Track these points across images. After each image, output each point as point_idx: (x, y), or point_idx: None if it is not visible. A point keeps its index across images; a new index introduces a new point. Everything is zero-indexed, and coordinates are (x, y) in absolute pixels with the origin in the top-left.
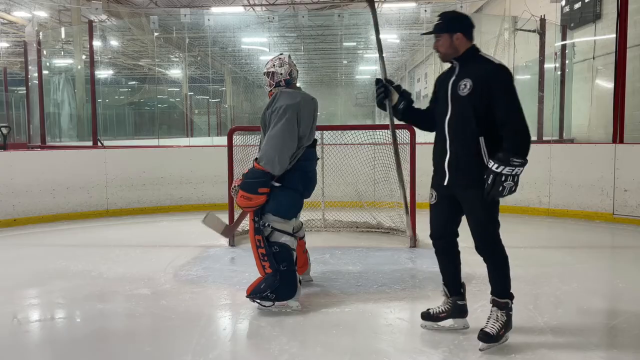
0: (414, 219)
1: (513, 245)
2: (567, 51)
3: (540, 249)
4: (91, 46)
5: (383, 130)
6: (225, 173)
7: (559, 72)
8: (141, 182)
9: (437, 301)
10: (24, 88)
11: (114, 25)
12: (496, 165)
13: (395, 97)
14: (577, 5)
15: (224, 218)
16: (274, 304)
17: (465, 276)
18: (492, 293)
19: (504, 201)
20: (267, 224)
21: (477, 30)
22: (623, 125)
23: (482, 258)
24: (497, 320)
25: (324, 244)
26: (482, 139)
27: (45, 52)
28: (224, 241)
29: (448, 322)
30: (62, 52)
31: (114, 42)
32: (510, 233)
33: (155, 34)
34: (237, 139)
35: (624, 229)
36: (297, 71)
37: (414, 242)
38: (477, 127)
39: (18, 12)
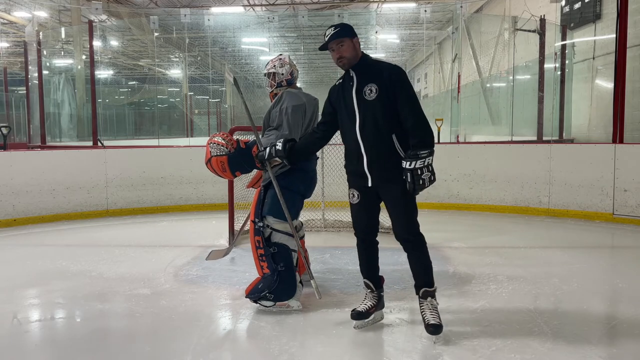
0: None
1: (513, 246)
2: (567, 51)
3: (540, 249)
4: (91, 46)
5: None
6: None
7: (559, 72)
8: (141, 182)
9: (438, 301)
10: (24, 88)
11: (114, 25)
12: (408, 163)
13: (277, 162)
14: (577, 5)
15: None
16: (274, 304)
17: (465, 276)
18: (420, 285)
19: (504, 201)
20: (267, 226)
21: (477, 30)
22: (623, 125)
23: (405, 248)
24: (435, 309)
25: (324, 244)
26: (394, 136)
27: (45, 52)
28: (224, 241)
29: (376, 315)
30: (62, 52)
31: (114, 42)
32: (510, 233)
33: (155, 34)
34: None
35: (624, 229)
36: (298, 71)
37: None
38: (388, 126)
39: (18, 12)
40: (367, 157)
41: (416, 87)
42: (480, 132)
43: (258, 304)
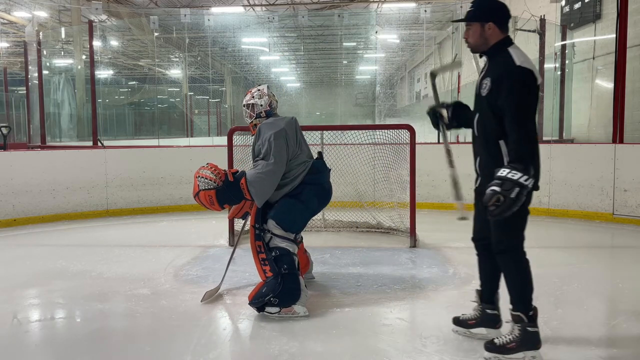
0: (413, 219)
1: None
2: (567, 51)
3: (540, 249)
4: (91, 46)
5: (382, 130)
6: None
7: (559, 72)
8: (141, 182)
9: (437, 301)
10: (24, 88)
11: (114, 25)
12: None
13: (446, 119)
14: (577, 5)
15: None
16: (280, 310)
17: (465, 276)
18: (510, 302)
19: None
20: (267, 230)
21: None
22: (623, 125)
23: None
24: (510, 334)
25: (324, 244)
26: (502, 142)
27: (45, 52)
28: (224, 241)
29: (480, 331)
30: (62, 52)
31: (114, 42)
32: None
33: (155, 34)
34: (237, 139)
35: (624, 229)
36: (277, 101)
37: (414, 242)
38: (497, 129)
39: (18, 12)
40: (478, 156)
41: (416, 87)
42: None
43: (263, 313)
